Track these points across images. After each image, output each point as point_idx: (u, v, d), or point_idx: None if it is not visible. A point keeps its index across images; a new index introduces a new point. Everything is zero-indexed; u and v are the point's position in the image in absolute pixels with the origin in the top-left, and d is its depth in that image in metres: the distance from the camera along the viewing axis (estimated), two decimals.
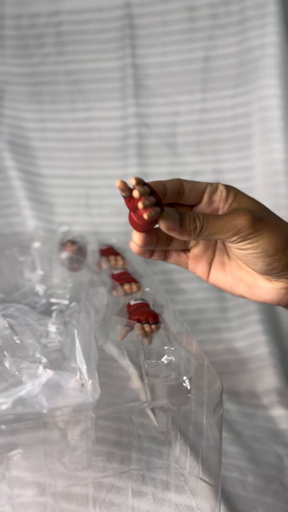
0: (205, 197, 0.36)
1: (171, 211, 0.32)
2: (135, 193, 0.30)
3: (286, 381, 0.55)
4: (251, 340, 0.61)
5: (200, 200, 0.36)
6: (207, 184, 0.36)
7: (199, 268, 0.39)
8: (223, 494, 0.39)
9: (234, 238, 0.33)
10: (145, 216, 0.30)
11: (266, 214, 0.35)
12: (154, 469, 0.39)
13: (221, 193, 0.36)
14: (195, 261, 0.39)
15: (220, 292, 0.66)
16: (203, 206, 0.37)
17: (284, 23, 0.65)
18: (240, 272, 0.38)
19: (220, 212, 0.36)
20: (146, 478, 0.38)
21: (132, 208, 0.32)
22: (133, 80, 0.69)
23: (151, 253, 0.38)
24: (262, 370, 0.56)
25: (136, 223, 0.33)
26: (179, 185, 0.35)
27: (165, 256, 0.39)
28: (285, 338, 0.62)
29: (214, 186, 0.36)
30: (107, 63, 0.71)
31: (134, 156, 0.70)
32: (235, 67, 0.68)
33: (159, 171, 0.70)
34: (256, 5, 0.65)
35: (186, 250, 0.39)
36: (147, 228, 0.33)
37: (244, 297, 0.39)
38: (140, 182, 0.30)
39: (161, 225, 0.32)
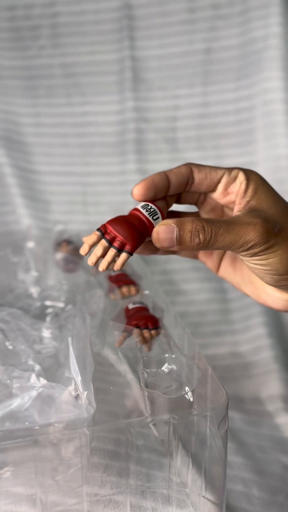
0: (220, 187, 0.32)
1: (164, 226, 0.28)
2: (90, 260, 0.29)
3: None
4: (255, 343, 0.60)
5: (214, 189, 0.33)
6: (225, 172, 0.32)
7: (209, 261, 0.37)
8: (227, 508, 0.38)
9: (244, 252, 0.30)
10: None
11: (286, 221, 0.30)
12: (154, 482, 0.37)
13: (240, 184, 0.31)
14: (206, 254, 0.37)
15: (222, 293, 0.65)
16: (217, 196, 0.33)
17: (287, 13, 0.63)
18: (249, 274, 0.36)
19: (236, 209, 0.32)
20: (145, 491, 0.36)
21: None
22: (132, 73, 0.68)
23: (155, 248, 0.34)
24: (266, 375, 0.55)
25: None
26: (188, 174, 0.31)
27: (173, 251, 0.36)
28: None
29: (233, 176, 0.31)
30: (105, 56, 0.69)
31: (133, 151, 0.69)
32: (237, 59, 0.67)
33: (159, 167, 0.68)
34: None
35: None
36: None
37: (250, 297, 0.37)
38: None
39: (156, 245, 0.29)
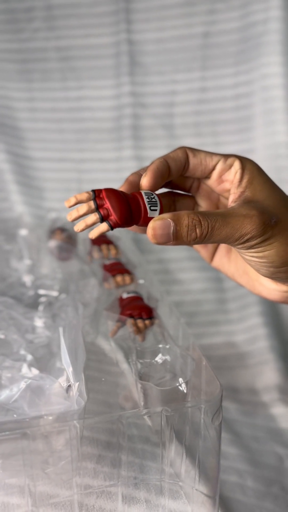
0: (215, 174, 0.31)
1: (160, 221, 0.27)
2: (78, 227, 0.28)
3: (287, 377, 0.53)
4: (250, 333, 0.59)
5: (208, 175, 0.32)
6: (220, 159, 0.31)
7: (204, 250, 0.36)
8: (221, 500, 0.37)
9: (240, 245, 0.29)
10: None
11: (283, 212, 0.30)
12: (148, 473, 0.37)
13: (235, 173, 0.30)
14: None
15: (218, 282, 0.65)
16: (211, 183, 0.32)
17: None
18: (244, 265, 0.35)
19: (231, 198, 0.31)
20: (138, 482, 0.36)
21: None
22: (128, 57, 0.67)
23: None
24: (262, 365, 0.55)
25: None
26: (185, 159, 0.30)
27: None
28: (287, 331, 0.61)
29: (228, 163, 0.30)
30: (101, 39, 0.68)
31: (129, 137, 0.68)
32: (236, 44, 0.65)
33: (155, 154, 0.66)
34: None
35: None
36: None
37: (245, 288, 0.36)
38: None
39: (152, 241, 0.28)
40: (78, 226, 0.28)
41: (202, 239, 0.27)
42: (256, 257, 0.30)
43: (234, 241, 0.28)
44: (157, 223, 0.27)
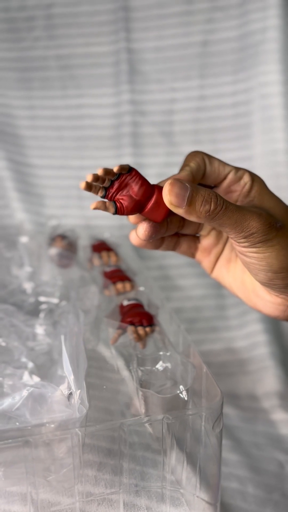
0: (225, 184, 0.32)
1: (180, 182, 0.27)
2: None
3: (287, 383, 0.53)
4: (250, 339, 0.59)
5: (218, 184, 0.32)
6: (232, 169, 0.31)
7: (206, 261, 0.36)
8: (222, 506, 0.37)
9: (243, 240, 0.29)
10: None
11: (287, 222, 0.31)
12: (149, 480, 0.37)
13: (244, 185, 0.31)
14: (204, 254, 0.36)
15: (218, 289, 0.65)
16: (220, 191, 0.33)
17: (286, 5, 0.63)
18: (242, 275, 0.35)
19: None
20: (140, 490, 0.36)
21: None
22: (128, 65, 0.67)
23: (159, 243, 0.33)
24: (262, 371, 0.55)
25: (151, 211, 0.29)
26: (204, 166, 0.31)
27: (174, 246, 0.35)
28: (286, 338, 0.61)
29: (239, 175, 0.31)
30: (100, 48, 0.68)
31: (129, 145, 0.68)
32: (235, 52, 0.66)
33: (155, 161, 0.68)
34: None
35: (196, 239, 0.36)
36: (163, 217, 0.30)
37: (241, 300, 0.37)
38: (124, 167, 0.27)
39: (164, 199, 0.28)
40: (93, 205, 0.28)
41: (214, 215, 0.28)
42: (257, 258, 0.30)
43: (240, 230, 0.29)
44: (177, 182, 0.27)
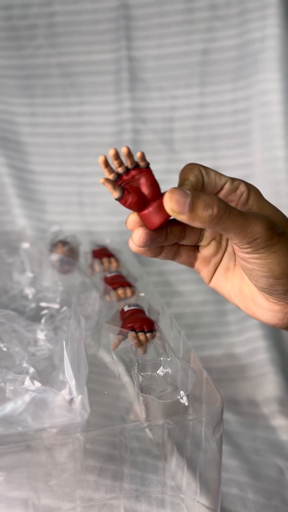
0: (221, 194, 0.32)
1: (180, 189, 0.28)
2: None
3: (287, 389, 0.53)
4: (250, 345, 0.59)
5: (215, 194, 0.32)
6: (227, 181, 0.32)
7: (205, 270, 0.36)
8: None
9: (246, 246, 0.30)
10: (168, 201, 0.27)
11: (287, 229, 0.31)
12: (149, 485, 0.37)
13: (241, 194, 0.32)
14: (203, 264, 0.36)
15: (218, 295, 0.64)
16: None
17: (285, 15, 0.64)
18: (240, 283, 0.35)
19: None
20: (140, 495, 0.36)
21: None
22: (129, 73, 0.68)
23: (157, 252, 0.33)
24: (262, 377, 0.55)
25: (142, 219, 0.29)
26: (202, 179, 0.31)
27: (173, 256, 0.35)
28: (286, 344, 0.61)
29: (235, 185, 0.32)
30: (102, 56, 0.69)
31: None
32: (234, 60, 0.66)
33: (155, 168, 0.66)
34: None
35: (196, 249, 0.36)
36: (159, 223, 0.29)
37: (240, 309, 0.37)
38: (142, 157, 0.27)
39: (166, 206, 0.28)
40: (102, 179, 0.28)
41: (218, 219, 0.28)
42: (259, 264, 0.30)
43: (244, 235, 0.29)
44: (176, 189, 0.28)
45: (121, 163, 0.28)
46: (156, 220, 0.29)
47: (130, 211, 0.30)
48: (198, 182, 0.31)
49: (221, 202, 0.28)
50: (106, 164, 0.28)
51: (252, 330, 0.60)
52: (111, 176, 0.28)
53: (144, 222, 0.30)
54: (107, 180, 0.28)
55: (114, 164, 0.28)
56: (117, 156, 0.28)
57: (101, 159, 0.28)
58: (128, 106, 0.68)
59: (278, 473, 0.43)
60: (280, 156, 0.64)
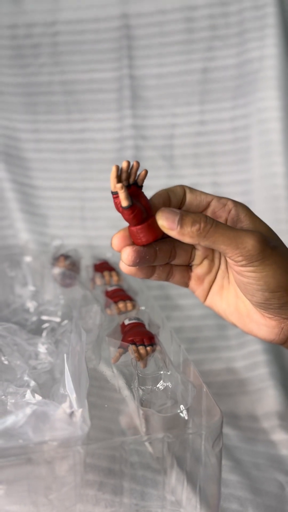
0: (209, 211, 0.33)
1: (170, 209, 0.30)
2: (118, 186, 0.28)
3: (287, 403, 0.53)
4: (250, 359, 0.59)
5: (202, 211, 0.33)
6: (213, 198, 0.33)
7: (199, 289, 0.37)
8: None
9: (240, 258, 0.30)
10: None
11: (280, 242, 0.32)
12: (149, 500, 0.36)
13: (229, 210, 0.33)
14: (197, 283, 0.37)
15: None
16: None
17: (283, 35, 0.65)
18: (235, 301, 0.36)
19: None
20: (140, 510, 0.36)
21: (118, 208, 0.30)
22: (130, 91, 0.69)
23: (149, 272, 0.34)
24: (262, 392, 0.54)
25: (134, 233, 0.31)
26: (182, 194, 0.33)
27: (167, 276, 0.36)
28: (286, 358, 0.60)
29: (222, 202, 0.33)
30: (104, 74, 0.70)
31: None
32: (234, 79, 0.68)
33: (156, 184, 0.68)
34: (256, 16, 0.65)
35: (189, 269, 0.37)
36: (147, 238, 0.31)
37: (236, 327, 0.37)
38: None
39: (158, 222, 0.30)
40: (114, 185, 0.30)
41: (205, 232, 0.29)
42: (254, 278, 0.31)
43: (236, 247, 0.30)
44: (166, 208, 0.30)
45: (128, 177, 0.29)
46: (147, 235, 0.31)
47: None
48: (176, 191, 0.32)
49: (207, 217, 0.30)
50: (118, 174, 0.29)
51: (252, 344, 0.60)
52: (121, 186, 0.29)
53: (133, 238, 0.31)
54: (125, 186, 0.29)
55: (123, 175, 0.29)
56: (127, 167, 0.29)
57: (115, 167, 0.29)
58: (129, 123, 0.69)
59: (279, 488, 0.43)
60: (279, 172, 0.64)
